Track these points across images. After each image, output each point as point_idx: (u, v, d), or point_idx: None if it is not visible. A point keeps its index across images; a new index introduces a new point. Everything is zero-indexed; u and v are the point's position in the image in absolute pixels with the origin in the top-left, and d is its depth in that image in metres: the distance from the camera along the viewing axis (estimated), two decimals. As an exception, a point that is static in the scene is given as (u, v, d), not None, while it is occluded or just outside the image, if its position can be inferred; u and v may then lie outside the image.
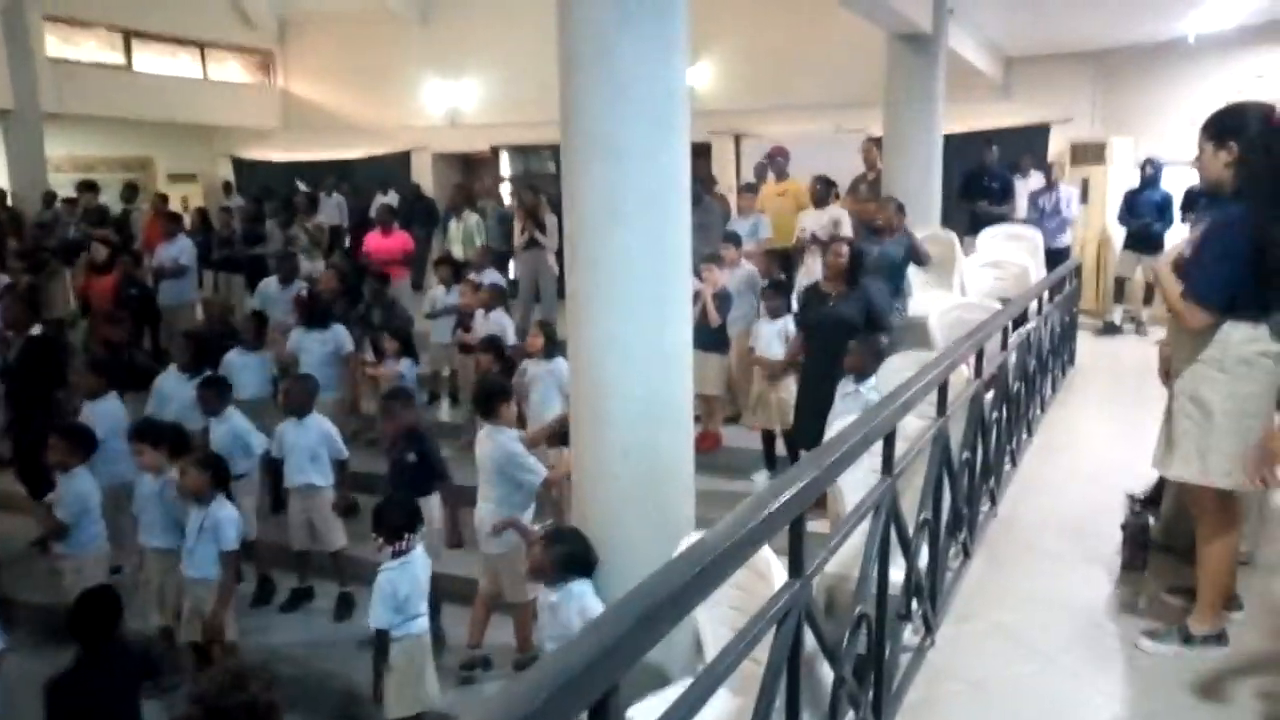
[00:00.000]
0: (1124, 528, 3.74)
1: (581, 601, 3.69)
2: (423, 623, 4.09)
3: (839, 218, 7.60)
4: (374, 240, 9.54)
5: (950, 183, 8.88)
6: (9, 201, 11.35)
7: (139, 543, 4.91)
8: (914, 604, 2.89)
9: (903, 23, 7.67)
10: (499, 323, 7.13)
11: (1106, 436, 5.89)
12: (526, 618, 4.62)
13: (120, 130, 13.99)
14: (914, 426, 3.21)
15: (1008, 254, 8.01)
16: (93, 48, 13.06)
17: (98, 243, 9.41)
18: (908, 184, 7.91)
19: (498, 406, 4.78)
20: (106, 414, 5.70)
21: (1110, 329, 9.15)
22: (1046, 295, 5.95)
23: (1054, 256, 8.51)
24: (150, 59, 13.74)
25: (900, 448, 2.67)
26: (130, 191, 12.10)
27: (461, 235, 10.02)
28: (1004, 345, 4.43)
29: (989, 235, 8.51)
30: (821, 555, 1.98)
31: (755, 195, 8.60)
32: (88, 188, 11.64)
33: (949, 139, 8.65)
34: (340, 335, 6.85)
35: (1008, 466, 4.62)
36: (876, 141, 8.80)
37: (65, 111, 12.14)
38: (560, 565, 3.74)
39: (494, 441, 4.73)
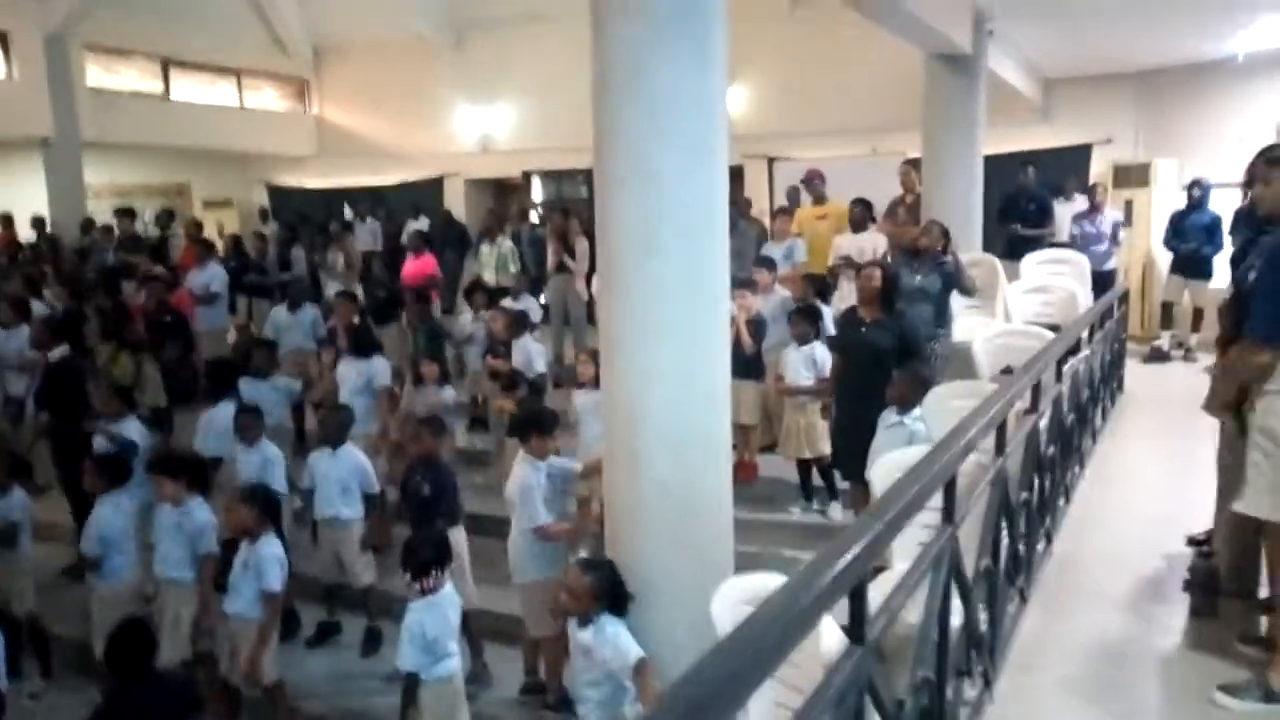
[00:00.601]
0: (1191, 571, 3.53)
1: (616, 642, 3.53)
2: (452, 664, 3.95)
3: (876, 243, 7.42)
4: (408, 265, 9.70)
5: (990, 206, 8.68)
6: (48, 229, 11.49)
7: (155, 572, 4.82)
8: (973, 657, 2.70)
9: (942, 43, 7.53)
10: (525, 349, 7.04)
11: (1159, 469, 5.64)
12: (558, 653, 4.47)
13: (158, 157, 14.19)
14: (967, 463, 3.03)
15: (1054, 279, 7.77)
16: (132, 77, 13.23)
17: (146, 269, 9.51)
18: (948, 208, 7.72)
19: (530, 435, 4.68)
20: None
21: (1158, 355, 8.86)
22: (1098, 322, 5.75)
23: (1100, 280, 8.27)
24: (188, 87, 13.91)
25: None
26: (166, 217, 12.21)
27: (495, 261, 9.98)
28: (1058, 376, 4.24)
29: (1033, 260, 8.27)
30: (882, 617, 1.81)
31: (790, 219, 8.44)
32: (125, 214, 11.76)
33: (988, 161, 8.46)
34: (377, 367, 6.67)
35: (1061, 503, 4.41)
36: (914, 164, 8.63)
37: (104, 140, 12.29)
38: (595, 594, 3.58)
39: (520, 470, 4.64)
